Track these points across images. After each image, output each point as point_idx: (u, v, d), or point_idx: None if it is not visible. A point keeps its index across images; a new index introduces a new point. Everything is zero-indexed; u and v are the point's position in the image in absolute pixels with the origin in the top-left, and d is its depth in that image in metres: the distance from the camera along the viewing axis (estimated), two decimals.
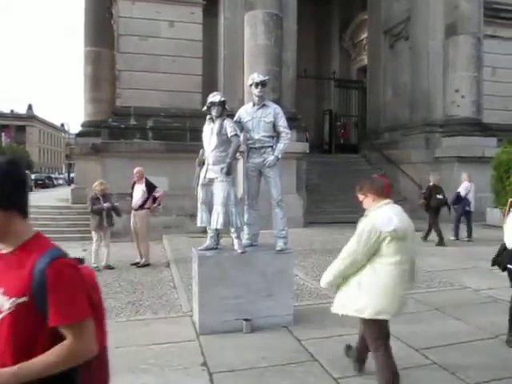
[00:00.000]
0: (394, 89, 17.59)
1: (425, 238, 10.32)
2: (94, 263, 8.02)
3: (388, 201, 3.29)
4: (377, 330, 3.19)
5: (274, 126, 5.16)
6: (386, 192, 3.33)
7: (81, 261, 1.67)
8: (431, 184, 10.57)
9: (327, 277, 3.32)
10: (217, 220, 4.78)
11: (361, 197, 3.40)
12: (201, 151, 5.06)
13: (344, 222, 13.51)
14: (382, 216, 3.14)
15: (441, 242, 10.04)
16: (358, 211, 3.41)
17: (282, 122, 5.17)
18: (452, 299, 5.85)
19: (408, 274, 3.22)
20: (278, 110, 5.25)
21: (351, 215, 14.02)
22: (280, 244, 5.05)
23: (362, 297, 3.11)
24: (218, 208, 4.79)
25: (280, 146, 5.12)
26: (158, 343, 4.42)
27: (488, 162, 13.46)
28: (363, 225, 3.18)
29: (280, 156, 5.12)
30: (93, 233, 8.28)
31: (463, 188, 10.66)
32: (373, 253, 3.09)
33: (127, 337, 4.61)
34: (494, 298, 5.91)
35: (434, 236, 10.14)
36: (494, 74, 16.05)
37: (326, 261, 8.14)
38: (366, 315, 3.10)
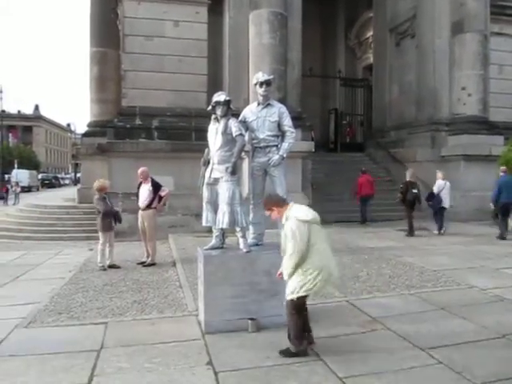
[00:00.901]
0: (400, 87, 17.53)
1: (411, 232, 11.24)
2: (100, 263, 8.07)
3: (292, 203, 4.08)
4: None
5: (279, 125, 5.15)
6: (283, 200, 4.18)
7: None
8: (407, 180, 11.48)
9: (287, 271, 3.92)
10: (222, 219, 4.79)
11: (267, 212, 4.19)
12: (206, 151, 5.07)
13: (349, 220, 13.53)
14: (299, 211, 3.96)
15: (410, 233, 11.13)
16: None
17: (287, 122, 5.16)
18: (458, 299, 5.81)
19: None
20: (283, 109, 5.24)
21: (357, 214, 14.10)
22: None
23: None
24: (223, 207, 4.80)
25: (285, 145, 5.12)
26: (164, 342, 4.43)
27: (495, 160, 13.39)
28: (290, 227, 3.85)
29: (285, 155, 5.11)
30: (100, 233, 8.31)
31: (436, 186, 11.42)
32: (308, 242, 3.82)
33: (133, 336, 4.63)
34: (500, 297, 5.87)
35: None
36: (500, 72, 15.97)
37: None
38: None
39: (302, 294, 3.89)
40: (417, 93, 16.35)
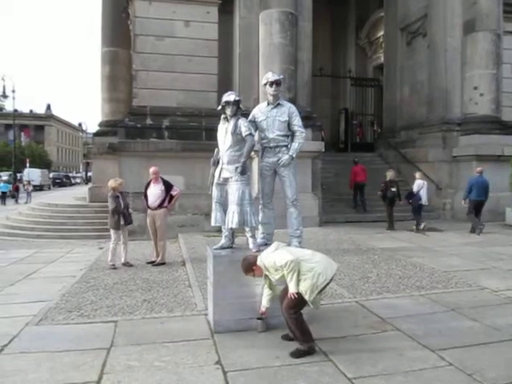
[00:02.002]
0: (411, 87, 17.40)
1: (391, 226, 12.29)
2: (110, 261, 8.12)
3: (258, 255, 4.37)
4: None
5: (289, 125, 5.14)
6: (255, 257, 4.36)
7: None
8: (388, 179, 12.47)
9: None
10: (232, 219, 4.79)
11: (252, 274, 4.36)
12: (216, 151, 5.07)
13: (359, 221, 13.50)
14: (271, 257, 4.20)
15: (390, 227, 12.24)
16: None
17: (297, 121, 5.14)
18: (469, 300, 5.76)
19: None
20: (293, 108, 5.22)
21: (367, 214, 14.06)
22: (295, 243, 5.04)
23: None
24: (233, 207, 4.80)
25: (295, 145, 5.11)
26: (173, 341, 4.45)
27: (507, 160, 13.26)
28: (272, 261, 4.12)
29: (295, 155, 5.10)
30: (112, 231, 8.37)
31: (415, 185, 12.39)
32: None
33: (142, 334, 4.65)
34: None
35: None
36: None
37: (341, 260, 8.11)
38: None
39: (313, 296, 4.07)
40: (428, 92, 16.21)
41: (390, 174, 12.61)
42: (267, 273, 4.23)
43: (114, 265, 8.10)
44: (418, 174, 12.84)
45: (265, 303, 4.46)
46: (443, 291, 6.21)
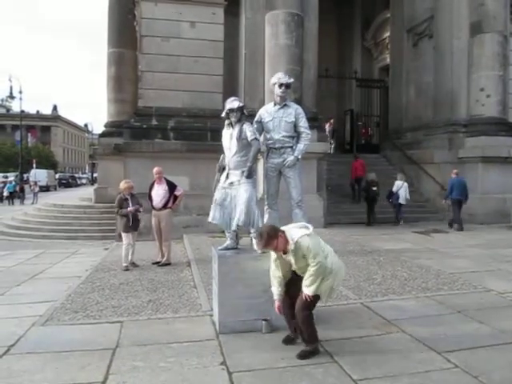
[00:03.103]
0: (417, 88, 17.35)
1: (368, 223, 13.45)
2: (124, 263, 8.12)
3: (286, 227, 4.14)
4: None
5: (295, 126, 5.14)
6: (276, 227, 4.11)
7: None
8: (369, 180, 13.79)
9: (314, 285, 3.97)
10: (239, 217, 4.78)
11: (274, 244, 3.97)
12: (221, 156, 5.06)
13: (365, 222, 13.45)
14: (300, 231, 4.03)
15: (369, 224, 13.41)
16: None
17: (303, 123, 5.14)
18: (475, 302, 5.73)
19: None
20: (300, 110, 5.22)
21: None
22: None
23: None
24: (241, 207, 4.78)
25: (300, 146, 5.10)
26: (178, 342, 4.45)
27: None
28: (307, 245, 3.90)
29: (300, 157, 5.10)
30: (123, 234, 8.35)
31: (395, 186, 13.64)
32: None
33: (148, 335, 4.66)
34: None
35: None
36: None
37: (346, 261, 8.08)
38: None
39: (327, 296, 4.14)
40: (434, 94, 16.16)
41: (371, 175, 13.88)
42: (291, 250, 3.95)
43: (127, 266, 8.09)
44: (398, 176, 14.03)
45: (278, 291, 4.20)
46: (449, 293, 6.18)
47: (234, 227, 4.88)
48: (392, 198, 13.63)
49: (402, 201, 13.48)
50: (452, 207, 12.92)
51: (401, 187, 13.52)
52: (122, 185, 8.33)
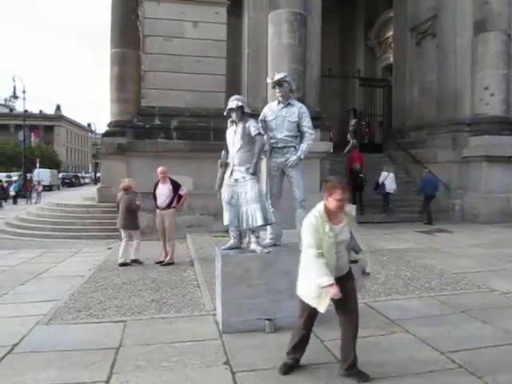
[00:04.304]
0: (420, 87, 17.31)
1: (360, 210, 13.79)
2: (134, 257, 8.54)
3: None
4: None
5: (298, 125, 5.12)
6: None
7: None
8: (356, 169, 14.50)
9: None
10: (255, 217, 4.69)
11: (341, 203, 3.43)
12: (223, 153, 5.03)
13: (368, 222, 13.41)
14: None
15: (361, 211, 13.76)
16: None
17: (307, 123, 5.12)
18: (479, 302, 5.72)
19: None
20: (303, 109, 5.20)
21: (375, 215, 13.99)
22: None
23: None
24: (252, 205, 4.71)
25: (303, 146, 5.09)
26: (181, 341, 4.45)
27: None
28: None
29: (303, 156, 5.08)
30: (138, 232, 8.70)
31: (381, 177, 14.33)
32: None
33: (151, 334, 4.66)
34: None
35: None
36: None
37: None
38: None
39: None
40: (437, 93, 16.11)
41: (356, 165, 14.70)
42: (348, 218, 3.52)
43: (121, 263, 8.25)
44: (384, 168, 14.76)
45: (328, 275, 3.30)
46: (452, 293, 6.16)
47: (252, 227, 4.78)
48: (379, 189, 14.38)
49: (388, 190, 14.22)
50: (423, 202, 13.90)
51: (387, 177, 14.25)
52: (123, 184, 8.66)
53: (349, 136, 20.55)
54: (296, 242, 5.11)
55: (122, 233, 8.60)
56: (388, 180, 14.25)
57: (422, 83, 17.20)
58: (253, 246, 4.89)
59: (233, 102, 4.85)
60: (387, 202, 14.34)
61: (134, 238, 8.61)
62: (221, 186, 4.94)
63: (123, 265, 8.27)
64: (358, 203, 13.89)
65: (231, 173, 4.86)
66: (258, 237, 4.92)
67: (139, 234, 8.70)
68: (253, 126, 4.78)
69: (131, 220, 8.49)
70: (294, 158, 5.03)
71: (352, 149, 16.55)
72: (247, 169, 4.75)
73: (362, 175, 14.31)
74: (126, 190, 8.52)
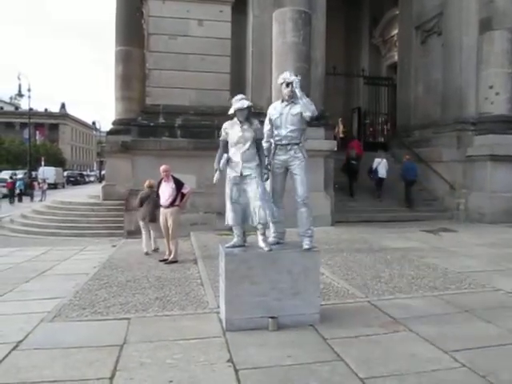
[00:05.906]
0: (425, 85, 17.24)
1: (351, 194, 14.86)
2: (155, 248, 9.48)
3: None
4: None
5: (301, 116, 5.09)
6: None
7: None
8: (350, 156, 15.11)
9: None
10: (262, 215, 4.74)
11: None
12: (219, 151, 5.05)
13: (372, 220, 13.41)
14: None
15: (351, 195, 14.87)
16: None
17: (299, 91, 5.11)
18: (483, 301, 5.70)
19: None
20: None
21: (379, 214, 13.98)
22: (306, 242, 5.01)
23: None
24: (258, 203, 4.75)
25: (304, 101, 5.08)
26: (185, 339, 4.46)
27: None
28: None
29: (304, 98, 5.05)
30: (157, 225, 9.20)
31: (374, 162, 15.10)
32: None
33: (155, 332, 4.68)
34: None
35: None
36: None
37: (354, 260, 8.09)
38: None
39: None
40: (442, 91, 16.04)
41: (352, 152, 15.18)
42: None
43: (146, 252, 9.25)
44: (378, 154, 15.66)
45: None
46: (456, 292, 6.15)
47: (261, 222, 4.80)
48: (372, 174, 15.10)
49: (381, 175, 14.92)
50: (406, 187, 14.79)
51: (380, 163, 14.96)
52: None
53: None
54: (299, 241, 5.14)
55: (147, 226, 9.38)
56: (381, 166, 14.93)
57: (426, 82, 17.13)
58: (260, 244, 4.90)
59: (241, 102, 4.87)
60: (380, 186, 15.04)
61: (152, 230, 9.39)
62: (219, 169, 4.92)
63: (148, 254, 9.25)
64: (349, 189, 14.81)
65: (241, 169, 4.84)
66: (264, 234, 4.92)
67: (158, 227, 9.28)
68: (259, 130, 4.95)
69: (156, 215, 9.04)
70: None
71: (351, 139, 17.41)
72: (256, 165, 4.83)
73: (354, 162, 14.85)
74: (152, 187, 9.18)
